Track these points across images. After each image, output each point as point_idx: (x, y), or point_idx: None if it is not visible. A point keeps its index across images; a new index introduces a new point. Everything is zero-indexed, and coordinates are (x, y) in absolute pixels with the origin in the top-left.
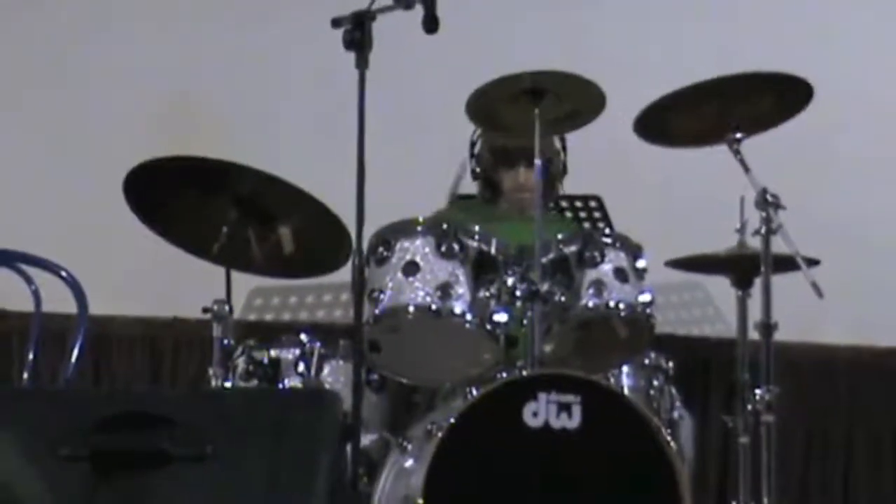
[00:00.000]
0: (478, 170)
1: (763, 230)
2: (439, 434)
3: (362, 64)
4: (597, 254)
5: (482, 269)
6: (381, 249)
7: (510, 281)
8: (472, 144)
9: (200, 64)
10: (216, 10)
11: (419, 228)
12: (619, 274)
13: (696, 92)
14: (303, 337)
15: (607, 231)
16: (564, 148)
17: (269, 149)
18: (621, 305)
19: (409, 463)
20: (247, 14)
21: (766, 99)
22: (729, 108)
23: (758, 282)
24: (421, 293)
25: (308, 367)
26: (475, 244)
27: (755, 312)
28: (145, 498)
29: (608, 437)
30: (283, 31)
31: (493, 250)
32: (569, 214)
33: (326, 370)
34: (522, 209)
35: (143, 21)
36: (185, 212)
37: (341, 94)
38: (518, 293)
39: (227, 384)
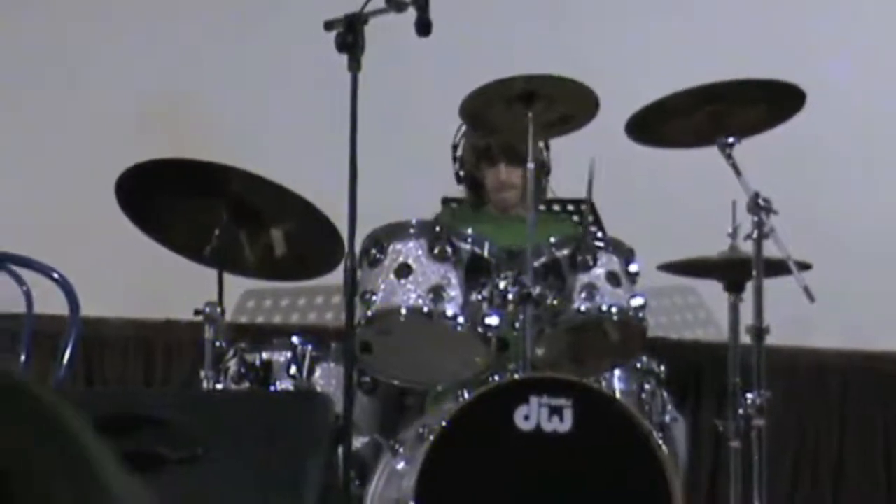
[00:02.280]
0: (461, 172)
1: (755, 234)
2: (431, 437)
3: (354, 66)
4: (589, 258)
5: (475, 271)
6: (373, 251)
7: (502, 284)
8: (454, 147)
9: (193, 65)
10: (209, 11)
11: (412, 231)
12: (612, 278)
13: (690, 96)
14: (294, 339)
15: (599, 235)
16: (547, 146)
17: (261, 150)
18: (613, 309)
19: (400, 465)
20: (240, 15)
21: (759, 105)
22: (721, 112)
23: (749, 286)
24: (413, 295)
25: (300, 370)
26: (468, 247)
27: (747, 316)
28: None
29: (600, 441)
30: (276, 32)
31: (485, 253)
32: (563, 215)
33: (318, 372)
34: (506, 208)
35: (136, 21)
36: (177, 214)
37: (334, 96)
38: (510, 296)
39: (219, 386)
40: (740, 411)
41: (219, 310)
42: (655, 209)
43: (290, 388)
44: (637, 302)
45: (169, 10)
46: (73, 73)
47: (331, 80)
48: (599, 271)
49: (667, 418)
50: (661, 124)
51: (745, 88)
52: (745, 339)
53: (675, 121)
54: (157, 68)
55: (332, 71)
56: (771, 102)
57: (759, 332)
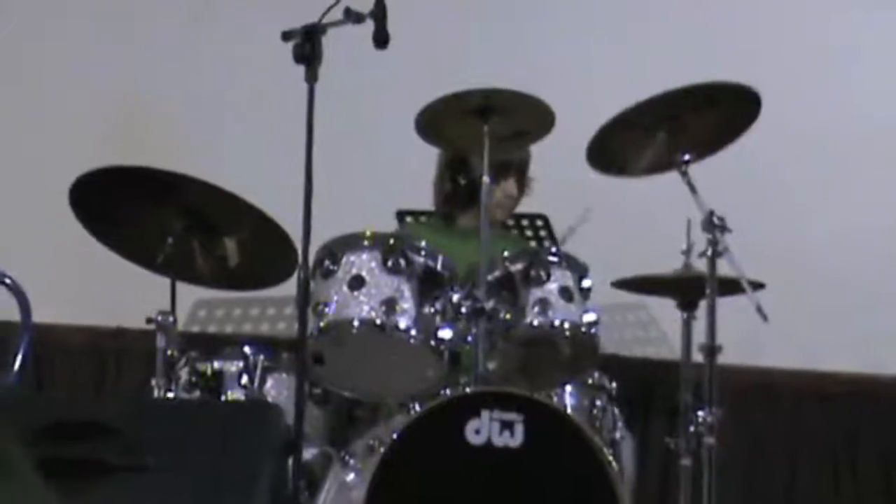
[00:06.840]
0: (463, 181)
1: (709, 252)
2: (381, 449)
3: (311, 77)
4: (542, 272)
5: (428, 284)
6: (327, 263)
7: (455, 297)
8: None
9: (150, 73)
10: (166, 16)
11: (366, 243)
12: (565, 293)
13: (644, 110)
14: (246, 349)
15: (553, 250)
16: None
17: (217, 160)
18: (566, 325)
19: (350, 477)
20: (198, 22)
21: (714, 112)
22: (677, 129)
23: (703, 304)
24: (366, 307)
25: (251, 380)
26: (421, 260)
27: (699, 335)
28: None
29: (550, 456)
30: (233, 41)
31: (439, 267)
32: (514, 232)
33: (269, 383)
34: (493, 222)
35: (92, 25)
36: (130, 221)
37: (290, 106)
38: (463, 310)
39: (170, 395)
40: (691, 429)
41: (171, 318)
42: (609, 225)
43: (242, 397)
44: (589, 318)
45: (126, 18)
46: (30, 76)
47: (287, 91)
48: (552, 286)
49: (617, 435)
50: (618, 149)
51: (699, 94)
52: (698, 357)
53: (632, 144)
54: (114, 75)
55: (289, 81)
56: (725, 108)
57: (711, 350)
